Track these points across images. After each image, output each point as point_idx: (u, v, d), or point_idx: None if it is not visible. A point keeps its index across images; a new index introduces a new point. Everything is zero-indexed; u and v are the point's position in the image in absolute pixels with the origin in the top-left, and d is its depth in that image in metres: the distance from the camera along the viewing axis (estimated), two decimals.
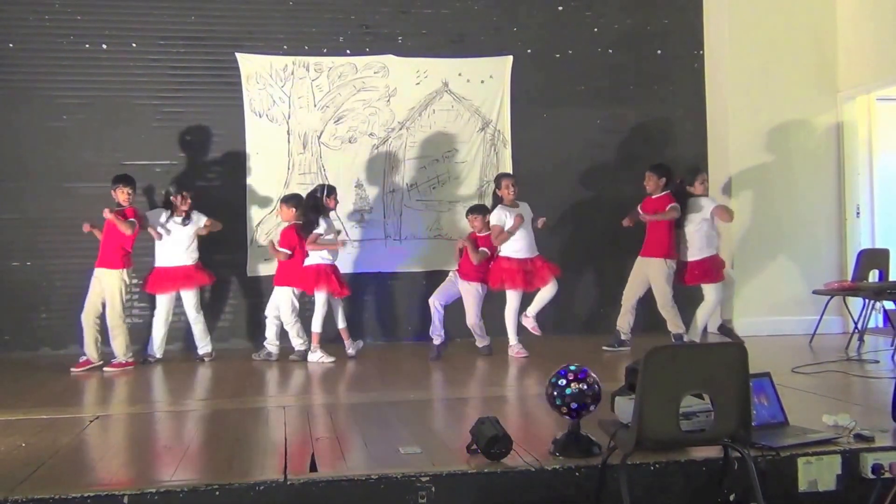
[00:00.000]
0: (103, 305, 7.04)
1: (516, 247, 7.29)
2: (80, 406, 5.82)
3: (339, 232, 7.79)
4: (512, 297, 7.32)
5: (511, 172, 7.99)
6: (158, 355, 7.39)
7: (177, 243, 7.39)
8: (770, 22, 8.49)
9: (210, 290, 8.19)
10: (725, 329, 7.62)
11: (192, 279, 7.42)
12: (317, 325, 7.29)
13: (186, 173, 8.21)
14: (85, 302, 7.06)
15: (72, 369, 6.90)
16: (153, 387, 6.57)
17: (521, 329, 7.40)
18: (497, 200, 7.44)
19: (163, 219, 7.38)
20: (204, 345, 7.50)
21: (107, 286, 7.01)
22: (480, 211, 7.55)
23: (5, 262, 7.99)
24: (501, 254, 7.37)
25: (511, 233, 7.23)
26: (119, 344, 7.05)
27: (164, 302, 7.42)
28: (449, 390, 6.29)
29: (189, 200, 7.42)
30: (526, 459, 3.82)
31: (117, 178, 7.16)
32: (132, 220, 7.05)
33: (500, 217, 7.28)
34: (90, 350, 7.04)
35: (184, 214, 7.38)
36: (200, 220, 7.46)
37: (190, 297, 7.43)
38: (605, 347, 7.42)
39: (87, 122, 8.10)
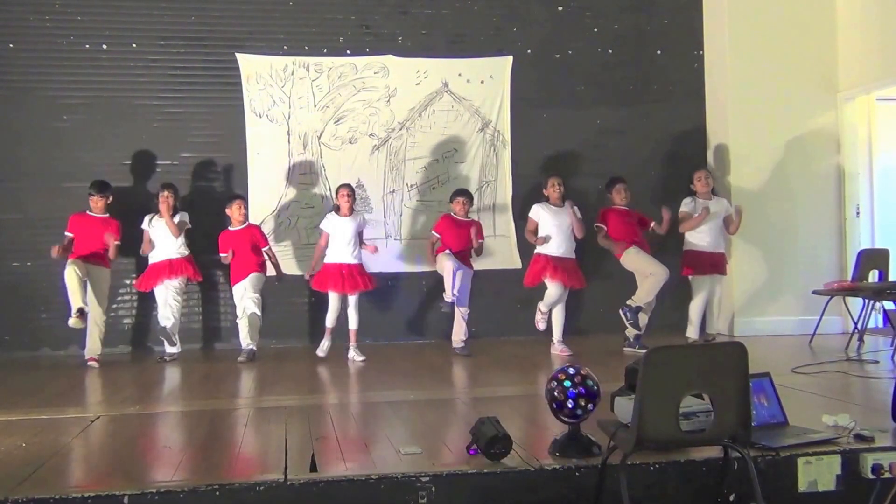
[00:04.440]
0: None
1: (551, 245, 7.39)
2: (80, 406, 5.81)
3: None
4: (552, 288, 7.36)
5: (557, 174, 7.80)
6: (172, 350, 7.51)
7: (165, 239, 7.47)
8: (770, 22, 8.49)
9: (209, 290, 8.21)
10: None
11: (176, 270, 7.47)
12: (329, 321, 7.37)
13: (187, 173, 8.22)
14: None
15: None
16: (153, 387, 6.56)
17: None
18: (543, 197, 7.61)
19: (146, 221, 7.53)
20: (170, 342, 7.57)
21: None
22: (464, 194, 7.68)
23: (5, 262, 8.01)
24: (537, 250, 7.49)
25: (535, 240, 7.44)
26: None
27: (160, 296, 7.52)
28: (449, 390, 6.29)
29: (170, 199, 7.44)
30: (526, 459, 3.82)
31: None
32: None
33: (536, 212, 7.50)
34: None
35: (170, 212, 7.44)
36: (184, 216, 7.56)
37: (173, 287, 7.47)
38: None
39: (87, 122, 8.11)
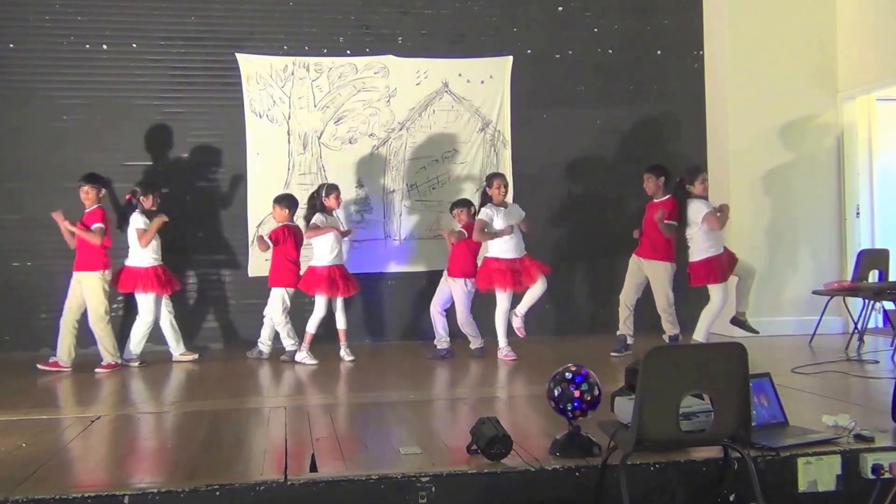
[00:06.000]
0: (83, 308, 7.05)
1: (504, 247, 7.18)
2: (80, 406, 5.82)
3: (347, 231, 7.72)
4: (501, 299, 7.21)
5: (502, 173, 7.83)
6: (135, 355, 7.27)
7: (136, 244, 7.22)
8: (770, 22, 8.48)
9: (206, 290, 8.21)
10: (738, 321, 7.32)
11: (151, 284, 7.19)
12: (311, 327, 7.21)
13: (187, 174, 8.22)
14: (64, 305, 7.05)
15: (38, 365, 6.92)
16: (153, 388, 6.56)
17: (511, 331, 7.32)
18: (486, 199, 7.30)
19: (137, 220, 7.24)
20: (179, 347, 7.47)
21: (86, 288, 7.00)
22: (465, 205, 7.54)
23: (5, 262, 8.00)
24: (489, 254, 7.26)
25: (498, 235, 7.13)
26: (106, 345, 7.03)
27: (145, 303, 7.25)
28: (449, 390, 6.30)
29: (156, 199, 7.30)
30: (526, 459, 3.82)
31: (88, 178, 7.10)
32: (99, 225, 6.97)
33: (488, 214, 7.17)
34: (64, 353, 6.99)
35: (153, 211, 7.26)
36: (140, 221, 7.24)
37: (166, 306, 7.37)
38: (612, 354, 7.21)
39: (87, 123, 8.11)
